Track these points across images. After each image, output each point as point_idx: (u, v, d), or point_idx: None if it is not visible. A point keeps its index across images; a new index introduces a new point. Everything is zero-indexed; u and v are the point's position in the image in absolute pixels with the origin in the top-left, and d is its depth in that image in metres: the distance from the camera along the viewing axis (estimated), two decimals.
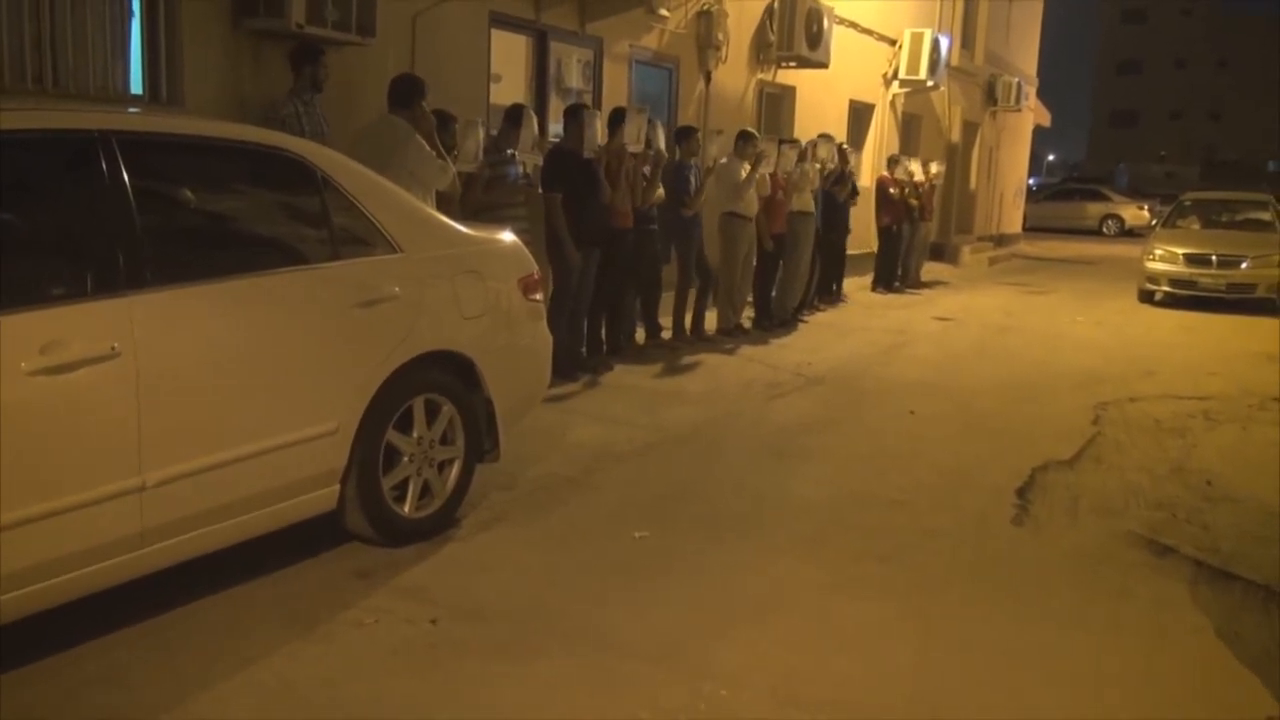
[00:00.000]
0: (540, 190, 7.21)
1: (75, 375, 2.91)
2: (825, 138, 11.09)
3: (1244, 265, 12.87)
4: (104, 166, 3.12)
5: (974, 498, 5.08)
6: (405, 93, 5.87)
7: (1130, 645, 3.56)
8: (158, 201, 3.39)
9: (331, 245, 3.85)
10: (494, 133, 7.38)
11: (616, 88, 9.71)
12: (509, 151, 7.00)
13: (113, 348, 2.99)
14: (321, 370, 3.69)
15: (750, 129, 9.58)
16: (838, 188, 11.14)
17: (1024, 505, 4.98)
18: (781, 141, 10.00)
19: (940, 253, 17.49)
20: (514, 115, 7.08)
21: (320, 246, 3.83)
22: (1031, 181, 31.65)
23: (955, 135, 18.62)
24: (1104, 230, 29.87)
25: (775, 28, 11.83)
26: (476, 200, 6.75)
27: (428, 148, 5.75)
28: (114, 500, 3.03)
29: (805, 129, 12.27)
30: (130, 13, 5.76)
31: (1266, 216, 14.53)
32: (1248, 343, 10.45)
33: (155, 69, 5.86)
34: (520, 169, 7.08)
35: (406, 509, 4.10)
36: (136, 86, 5.84)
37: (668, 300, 8.90)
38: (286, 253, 3.79)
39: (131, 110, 5.21)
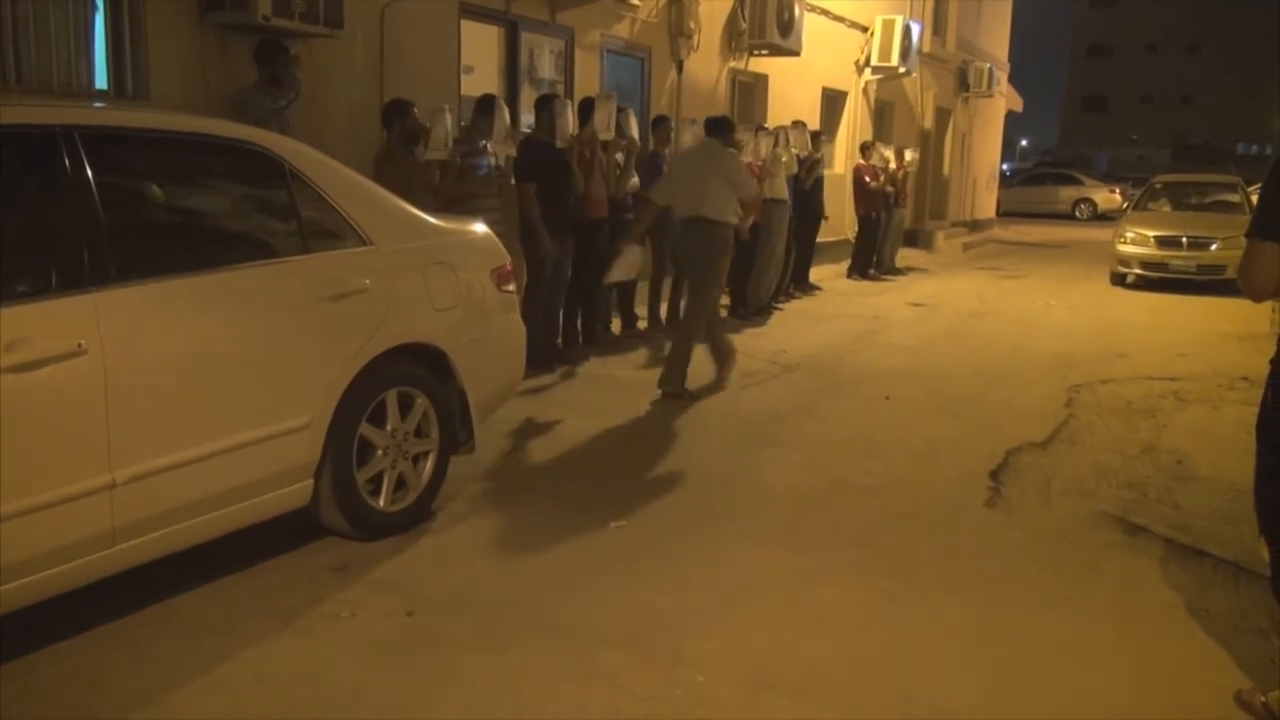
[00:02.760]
0: (513, 181, 7.19)
1: (41, 373, 2.89)
2: (799, 125, 11.10)
3: (1214, 247, 12.99)
4: (67, 162, 3.09)
5: (947, 481, 5.12)
6: (727, 128, 7.12)
7: (1101, 623, 3.60)
8: (123, 197, 3.37)
9: (300, 238, 3.82)
10: (464, 124, 7.34)
11: (588, 78, 9.68)
12: (481, 143, 6.97)
13: (79, 345, 2.97)
14: (292, 364, 3.68)
15: (724, 115, 9.57)
16: (805, 175, 11.14)
17: (997, 488, 5.03)
18: (759, 129, 10.01)
19: (914, 239, 17.59)
20: (485, 105, 7.04)
21: (288, 240, 3.81)
22: (1005, 167, 31.82)
23: (928, 122, 18.70)
24: (1076, 214, 30.08)
25: (746, 15, 11.83)
26: (449, 191, 6.72)
27: (745, 167, 7.24)
28: (83, 498, 3.01)
29: (778, 117, 12.28)
30: (94, 6, 5.69)
31: (1236, 198, 14.68)
32: (1218, 323, 10.56)
33: (120, 63, 5.80)
34: (492, 160, 7.04)
35: (381, 502, 4.09)
36: (101, 81, 5.77)
37: (643, 290, 8.90)
38: (254, 246, 3.77)
39: (96, 105, 5.17)
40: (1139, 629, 3.57)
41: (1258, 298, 2.93)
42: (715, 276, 6.75)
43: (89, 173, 3.12)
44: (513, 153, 7.22)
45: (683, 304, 6.89)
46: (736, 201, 6.70)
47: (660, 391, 6.60)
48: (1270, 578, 3.00)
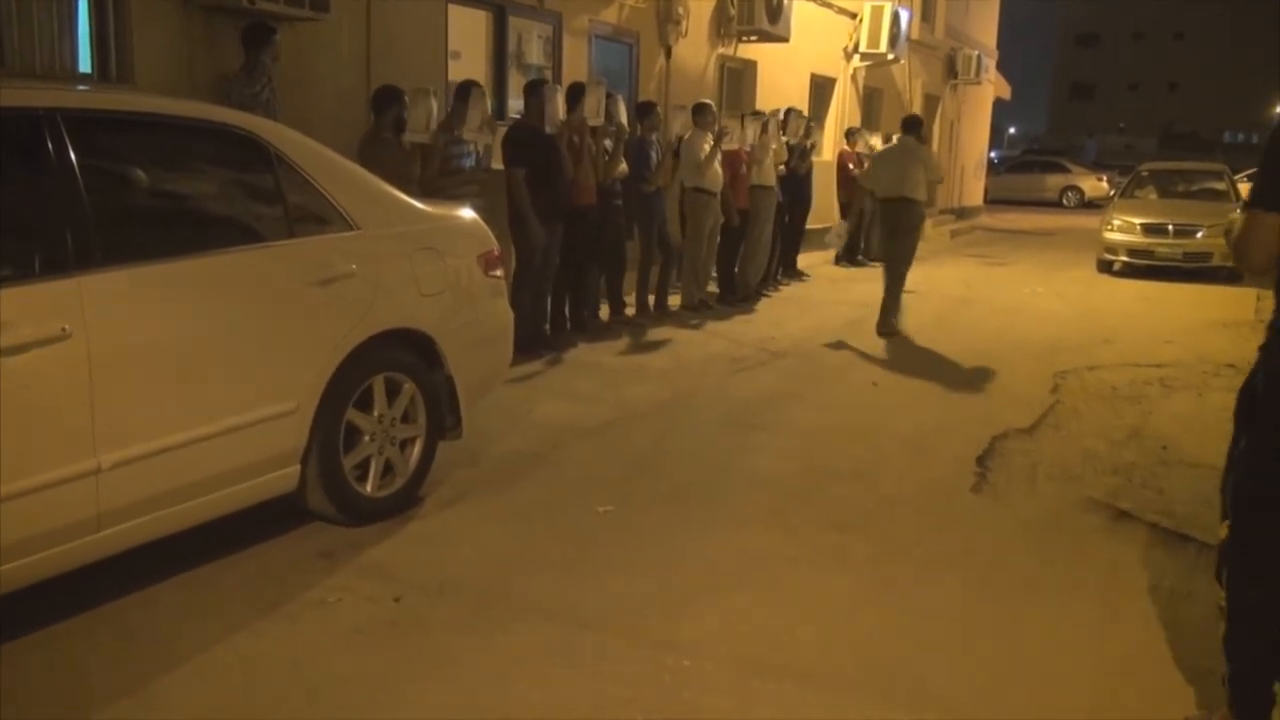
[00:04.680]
0: (504, 169, 7.15)
1: (25, 357, 2.87)
2: (794, 112, 11.07)
3: (1200, 234, 13.03)
4: (50, 145, 3.06)
5: (934, 467, 5.13)
6: (917, 125, 9.18)
7: (1086, 607, 3.63)
8: (107, 180, 3.34)
9: (286, 223, 3.80)
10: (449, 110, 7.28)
11: (576, 63, 9.65)
12: (457, 133, 6.87)
13: (63, 329, 2.95)
14: (279, 349, 3.66)
15: (706, 100, 9.56)
16: (799, 163, 11.14)
17: (983, 473, 5.05)
18: (744, 116, 9.99)
19: None
20: (463, 92, 6.93)
21: (275, 224, 3.79)
22: (993, 154, 31.82)
23: (916, 109, 18.67)
24: (1064, 202, 30.11)
25: (735, 1, 11.80)
26: (431, 181, 6.69)
27: (935, 156, 9.44)
28: (68, 484, 3.00)
29: (767, 104, 12.26)
30: None
31: (1221, 186, 14.71)
32: (1203, 311, 10.61)
33: (104, 46, 5.75)
34: (472, 151, 6.97)
35: (369, 488, 4.09)
36: (85, 65, 5.73)
37: (631, 277, 8.90)
38: (240, 231, 3.75)
39: (80, 88, 5.12)
40: (1123, 613, 3.59)
41: (1256, 270, 2.81)
42: (915, 239, 9.02)
43: (73, 156, 3.09)
44: (490, 141, 7.15)
45: (884, 270, 9.02)
46: (926, 183, 8.78)
47: (881, 336, 8.60)
48: (1218, 560, 2.90)
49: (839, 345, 8.26)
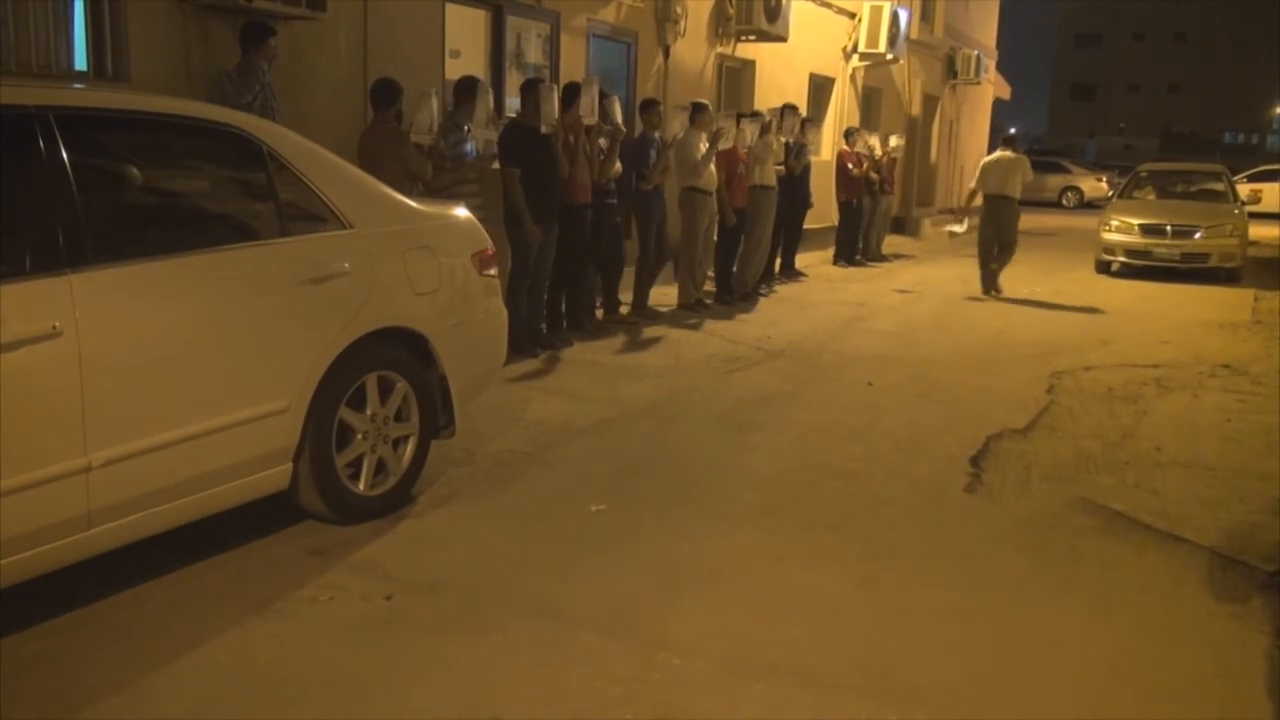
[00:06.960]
0: (499, 168, 7.16)
1: (15, 355, 2.87)
2: (790, 109, 11.07)
3: (1198, 235, 13.04)
4: (41, 143, 3.06)
5: (928, 467, 5.13)
6: (1015, 141, 11.80)
7: (1078, 606, 3.63)
8: (99, 178, 3.35)
9: (279, 221, 3.81)
10: (449, 109, 7.31)
11: (574, 62, 9.64)
12: (465, 128, 6.92)
13: (54, 327, 2.96)
14: (271, 348, 3.66)
15: (703, 100, 9.56)
16: (794, 162, 11.12)
17: (977, 473, 5.04)
18: (742, 115, 9.99)
19: (901, 226, 17.59)
20: (467, 88, 6.96)
21: (267, 222, 3.80)
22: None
23: (915, 109, 18.69)
24: (1063, 202, 30.09)
25: (734, 1, 11.79)
26: (439, 179, 6.68)
27: (1030, 167, 11.54)
28: (59, 481, 3.00)
29: (765, 103, 12.25)
30: None
31: (1220, 187, 14.70)
32: (1200, 312, 10.61)
33: (100, 45, 5.75)
34: (471, 146, 6.99)
35: (361, 486, 4.09)
36: (81, 63, 5.73)
37: (627, 276, 8.89)
38: (232, 229, 3.75)
39: (74, 86, 5.13)
40: (1115, 613, 3.59)
41: None
42: (1015, 225, 11.52)
43: (64, 154, 3.09)
44: (493, 137, 7.17)
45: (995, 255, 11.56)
46: (1021, 185, 11.26)
47: (989, 294, 11.34)
48: None
49: (835, 345, 8.26)
